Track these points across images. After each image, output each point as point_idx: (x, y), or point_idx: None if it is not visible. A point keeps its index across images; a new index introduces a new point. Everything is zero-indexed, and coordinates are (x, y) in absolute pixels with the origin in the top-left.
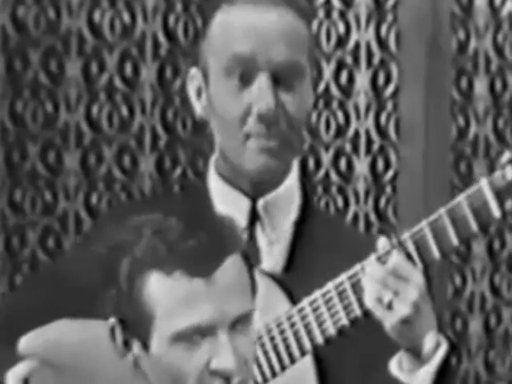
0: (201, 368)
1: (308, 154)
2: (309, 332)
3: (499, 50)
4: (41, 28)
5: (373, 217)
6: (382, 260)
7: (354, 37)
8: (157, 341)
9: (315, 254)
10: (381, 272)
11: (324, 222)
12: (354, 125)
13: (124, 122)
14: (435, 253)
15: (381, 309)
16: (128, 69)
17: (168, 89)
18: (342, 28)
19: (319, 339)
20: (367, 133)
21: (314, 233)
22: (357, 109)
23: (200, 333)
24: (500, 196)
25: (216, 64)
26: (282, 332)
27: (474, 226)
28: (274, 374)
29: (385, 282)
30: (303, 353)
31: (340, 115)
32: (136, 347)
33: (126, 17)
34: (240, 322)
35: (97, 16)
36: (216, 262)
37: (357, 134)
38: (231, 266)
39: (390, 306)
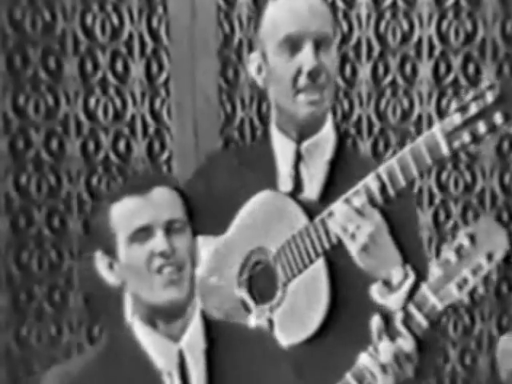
0: (148, 254)
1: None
2: (320, 241)
3: (443, 38)
4: (38, 29)
5: None
6: (357, 193)
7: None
8: (121, 250)
9: (346, 187)
10: (348, 210)
11: (355, 161)
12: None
13: (118, 112)
14: (402, 181)
15: (347, 237)
16: (119, 66)
17: (154, 82)
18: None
19: (326, 245)
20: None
21: (345, 170)
22: None
23: (143, 232)
24: (449, 137)
25: (272, 44)
26: (302, 240)
27: (428, 160)
28: (299, 271)
29: (350, 218)
30: (317, 255)
31: None
32: (116, 265)
33: (115, 19)
34: (174, 225)
35: (89, 19)
36: (148, 187)
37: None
38: (162, 189)
39: (353, 236)
